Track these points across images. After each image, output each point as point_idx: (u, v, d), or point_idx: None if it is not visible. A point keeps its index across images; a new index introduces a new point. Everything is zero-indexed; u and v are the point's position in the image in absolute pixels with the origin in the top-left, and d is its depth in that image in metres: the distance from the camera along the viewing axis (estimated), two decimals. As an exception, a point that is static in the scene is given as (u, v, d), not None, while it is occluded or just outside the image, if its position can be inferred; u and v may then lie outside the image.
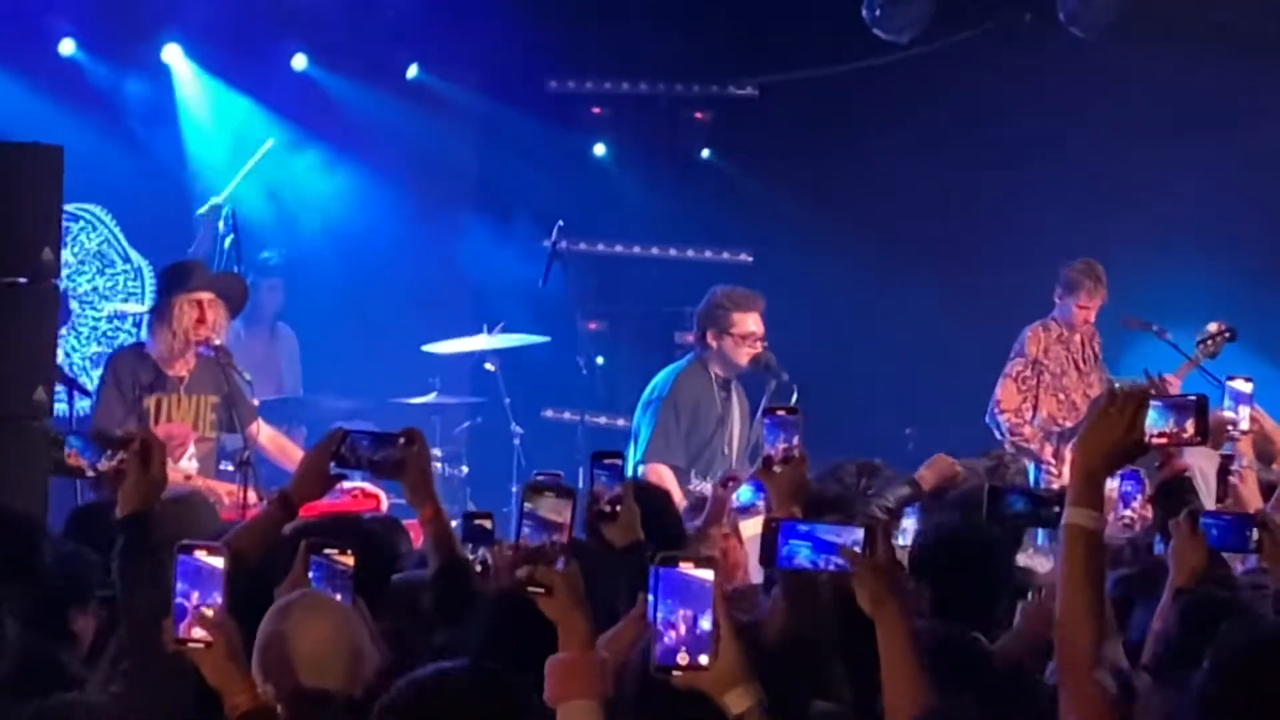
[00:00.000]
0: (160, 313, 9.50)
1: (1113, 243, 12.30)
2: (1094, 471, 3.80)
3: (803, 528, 3.92)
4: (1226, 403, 7.94)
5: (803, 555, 3.92)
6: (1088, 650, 3.75)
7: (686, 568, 3.40)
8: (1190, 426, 4.22)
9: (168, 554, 4.02)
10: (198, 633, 3.87)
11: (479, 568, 5.77)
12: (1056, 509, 5.45)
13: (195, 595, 3.90)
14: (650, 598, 3.41)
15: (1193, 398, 4.13)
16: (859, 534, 3.89)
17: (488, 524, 6.02)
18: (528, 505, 4.03)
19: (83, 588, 5.52)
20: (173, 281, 9.61)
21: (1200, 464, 7.59)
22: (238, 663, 3.90)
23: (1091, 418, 3.73)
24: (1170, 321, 11.31)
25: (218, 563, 3.90)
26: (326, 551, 4.77)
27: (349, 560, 4.77)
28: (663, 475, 9.78)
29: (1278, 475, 8.48)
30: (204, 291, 9.43)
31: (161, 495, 4.84)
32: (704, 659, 3.38)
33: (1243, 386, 7.99)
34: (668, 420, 10.04)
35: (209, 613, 3.90)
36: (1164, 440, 4.36)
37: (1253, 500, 7.61)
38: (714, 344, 10.19)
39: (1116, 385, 6.74)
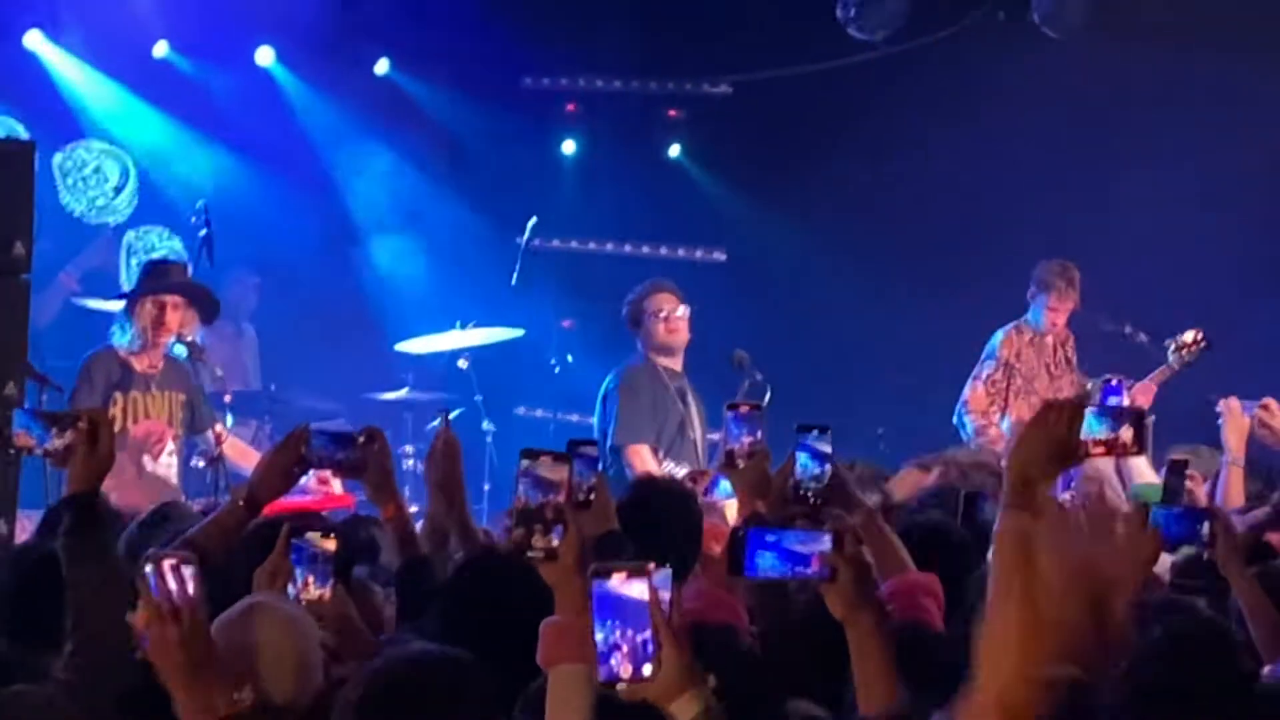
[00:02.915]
0: (128, 310, 9.51)
1: (1088, 243, 12.30)
2: (1028, 477, 3.79)
3: (770, 537, 3.89)
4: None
5: (771, 564, 3.91)
6: (1016, 660, 3.76)
7: (619, 579, 3.38)
8: (1127, 435, 4.24)
9: (113, 534, 3.98)
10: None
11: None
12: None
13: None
14: (592, 612, 3.40)
15: (1130, 407, 4.14)
16: (827, 541, 3.88)
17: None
18: (525, 464, 3.99)
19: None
20: (144, 280, 9.63)
21: (1102, 466, 7.59)
22: (206, 666, 3.84)
23: (1028, 423, 3.73)
24: (1147, 326, 11.32)
25: (189, 573, 3.87)
26: (308, 535, 4.74)
27: (330, 545, 4.75)
28: (644, 455, 9.89)
29: None
30: (172, 295, 9.45)
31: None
32: (647, 669, 3.37)
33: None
34: (630, 403, 10.12)
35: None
36: (1101, 449, 4.38)
37: (1234, 505, 7.57)
38: (643, 335, 10.32)
39: (1089, 386, 6.77)
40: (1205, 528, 5.52)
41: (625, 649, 3.37)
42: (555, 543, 3.82)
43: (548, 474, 3.99)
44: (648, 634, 3.37)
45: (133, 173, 12.72)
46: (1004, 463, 5.04)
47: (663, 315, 10.32)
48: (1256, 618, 5.33)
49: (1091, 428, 4.24)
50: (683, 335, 10.38)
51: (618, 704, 3.44)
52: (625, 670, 3.37)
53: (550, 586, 3.81)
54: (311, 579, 4.73)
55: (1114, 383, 6.76)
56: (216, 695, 3.81)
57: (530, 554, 3.82)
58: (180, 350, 9.46)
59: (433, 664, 3.93)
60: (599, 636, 3.37)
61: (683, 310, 10.36)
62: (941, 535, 5.97)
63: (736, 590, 5.22)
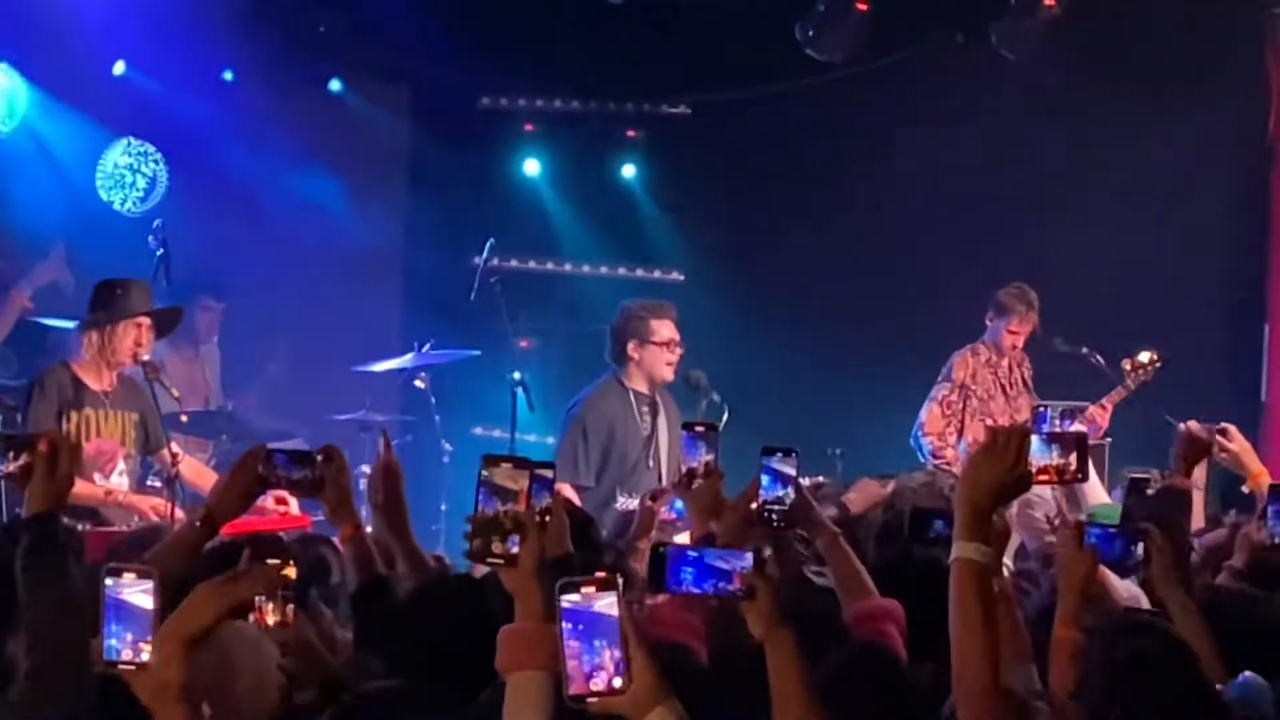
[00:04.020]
0: (94, 330, 9.43)
1: (1045, 264, 12.35)
2: (980, 506, 3.81)
3: (692, 553, 3.91)
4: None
5: (690, 580, 3.91)
6: (986, 685, 3.76)
7: (588, 592, 3.38)
8: (1072, 461, 4.25)
9: (72, 556, 3.96)
10: (127, 655, 3.82)
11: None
12: None
13: (124, 628, 3.82)
14: (559, 626, 3.39)
15: (1072, 432, 4.16)
16: (748, 559, 3.88)
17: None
18: (484, 474, 3.96)
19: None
20: (113, 302, 9.53)
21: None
22: (174, 684, 3.82)
23: (975, 453, 3.73)
24: (1103, 347, 11.35)
25: (145, 599, 3.83)
26: (269, 563, 4.74)
27: (291, 572, 4.74)
28: (566, 493, 9.80)
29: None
30: (146, 317, 9.43)
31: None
32: (618, 683, 3.37)
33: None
34: (575, 440, 10.04)
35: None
36: (1046, 477, 4.39)
37: (1194, 523, 7.56)
38: (636, 355, 10.19)
39: (1046, 408, 6.77)
40: (1139, 548, 5.51)
41: (596, 663, 3.36)
42: (514, 550, 3.81)
43: (507, 482, 3.97)
44: (618, 648, 3.36)
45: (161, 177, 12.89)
46: (953, 492, 5.06)
47: (669, 346, 10.21)
48: (1190, 640, 5.30)
49: (1037, 454, 4.25)
50: (672, 373, 10.27)
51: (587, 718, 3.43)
52: (596, 684, 3.37)
53: (510, 595, 3.82)
54: (270, 605, 4.71)
55: (1042, 410, 6.79)
56: (183, 711, 3.80)
57: (490, 560, 3.82)
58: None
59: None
60: (568, 650, 3.37)
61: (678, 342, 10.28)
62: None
63: (696, 612, 5.21)
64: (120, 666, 3.80)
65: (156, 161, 13.09)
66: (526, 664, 3.71)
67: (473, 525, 3.87)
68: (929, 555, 6.03)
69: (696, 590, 3.88)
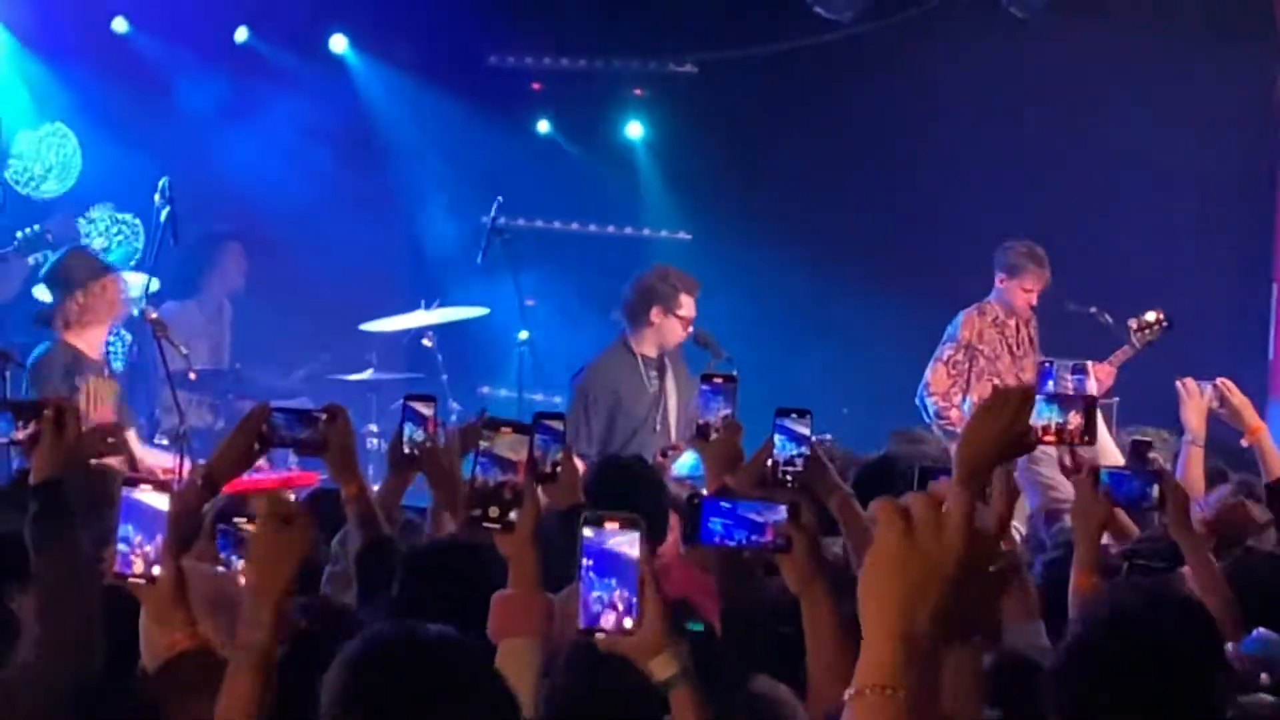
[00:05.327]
0: (84, 296, 9.42)
1: (1054, 222, 12.32)
2: (976, 464, 3.80)
3: (725, 504, 3.91)
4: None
5: (725, 532, 3.91)
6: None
7: (612, 528, 3.39)
8: (1076, 422, 4.24)
9: (81, 521, 3.97)
10: (139, 568, 3.82)
11: (407, 448, 5.75)
12: (986, 489, 5.41)
13: (138, 534, 3.82)
14: (580, 559, 3.40)
15: (1081, 394, 4.15)
16: (783, 511, 3.88)
17: (425, 409, 5.91)
18: (484, 443, 3.97)
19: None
20: (92, 269, 9.56)
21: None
22: (179, 600, 3.83)
23: (977, 410, 3.73)
24: (1109, 307, 11.32)
25: (161, 501, 3.85)
26: (235, 520, 4.77)
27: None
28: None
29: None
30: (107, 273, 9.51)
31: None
32: (628, 623, 3.38)
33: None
34: (577, 411, 10.09)
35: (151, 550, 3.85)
36: (1051, 437, 4.38)
37: (1195, 485, 7.56)
38: (656, 321, 10.24)
39: (1052, 364, 6.76)
40: (1155, 490, 5.50)
41: (609, 600, 3.37)
42: (512, 516, 3.83)
43: (507, 453, 3.97)
44: (633, 588, 3.37)
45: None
46: (952, 451, 5.05)
47: (686, 324, 10.27)
48: (1206, 587, 5.30)
49: (1041, 414, 4.25)
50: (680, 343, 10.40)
51: (591, 657, 3.44)
52: (606, 621, 3.38)
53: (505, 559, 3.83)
54: (238, 562, 4.74)
55: (1048, 365, 6.77)
56: (180, 626, 3.82)
57: (487, 524, 3.82)
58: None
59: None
60: (583, 584, 3.37)
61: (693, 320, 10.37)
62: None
63: (709, 572, 5.22)
64: (131, 580, 3.81)
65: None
66: (518, 630, 3.73)
67: (472, 494, 3.88)
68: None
69: (730, 542, 3.89)
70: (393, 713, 3.41)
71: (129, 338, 11.94)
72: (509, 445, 3.97)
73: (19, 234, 11.50)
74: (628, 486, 5.97)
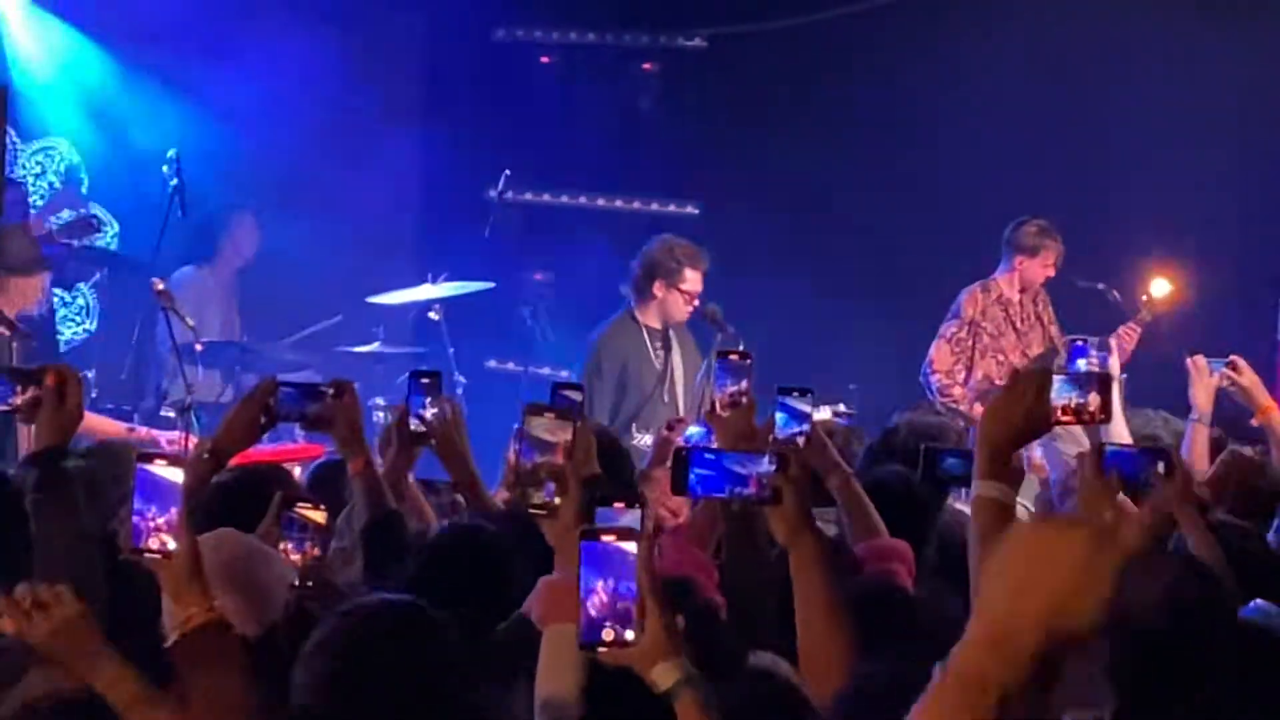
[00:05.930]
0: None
1: (1060, 199, 12.29)
2: (999, 445, 3.85)
3: (710, 455, 3.93)
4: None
5: (712, 483, 3.92)
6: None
7: (608, 540, 3.34)
8: (1095, 401, 4.25)
9: (82, 489, 3.95)
10: (154, 543, 3.80)
11: (414, 424, 5.74)
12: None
13: (153, 508, 3.80)
14: (579, 571, 3.36)
15: (1096, 373, 4.17)
16: (766, 463, 3.90)
17: (431, 384, 5.88)
18: (525, 425, 3.97)
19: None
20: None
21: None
22: (195, 574, 3.81)
23: (997, 392, 3.73)
24: (1116, 282, 11.32)
25: (176, 475, 3.83)
26: (299, 505, 4.79)
27: (320, 518, 4.80)
28: None
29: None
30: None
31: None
32: (629, 634, 3.34)
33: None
34: (590, 385, 10.06)
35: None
36: (1070, 417, 4.39)
37: (1200, 463, 7.55)
38: (659, 294, 10.23)
39: (1085, 342, 6.74)
40: (1160, 466, 5.48)
41: (610, 612, 3.34)
42: (554, 501, 3.82)
43: (546, 435, 3.99)
44: (633, 599, 3.34)
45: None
46: (972, 433, 5.04)
47: (690, 298, 10.25)
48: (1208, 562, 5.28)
49: (1059, 394, 4.26)
50: (686, 317, 10.41)
51: (602, 669, 3.43)
52: (608, 634, 3.34)
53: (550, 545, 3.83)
54: (290, 546, 4.75)
55: (1080, 343, 6.74)
56: (196, 600, 3.80)
57: (531, 509, 3.82)
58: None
59: (398, 611, 3.93)
60: (584, 598, 3.34)
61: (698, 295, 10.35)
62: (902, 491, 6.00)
63: (708, 550, 5.22)
64: (146, 555, 3.79)
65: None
66: (564, 616, 3.70)
67: (515, 477, 3.89)
68: (904, 479, 6.09)
69: (716, 494, 3.90)
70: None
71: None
72: (547, 428, 3.98)
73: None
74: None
